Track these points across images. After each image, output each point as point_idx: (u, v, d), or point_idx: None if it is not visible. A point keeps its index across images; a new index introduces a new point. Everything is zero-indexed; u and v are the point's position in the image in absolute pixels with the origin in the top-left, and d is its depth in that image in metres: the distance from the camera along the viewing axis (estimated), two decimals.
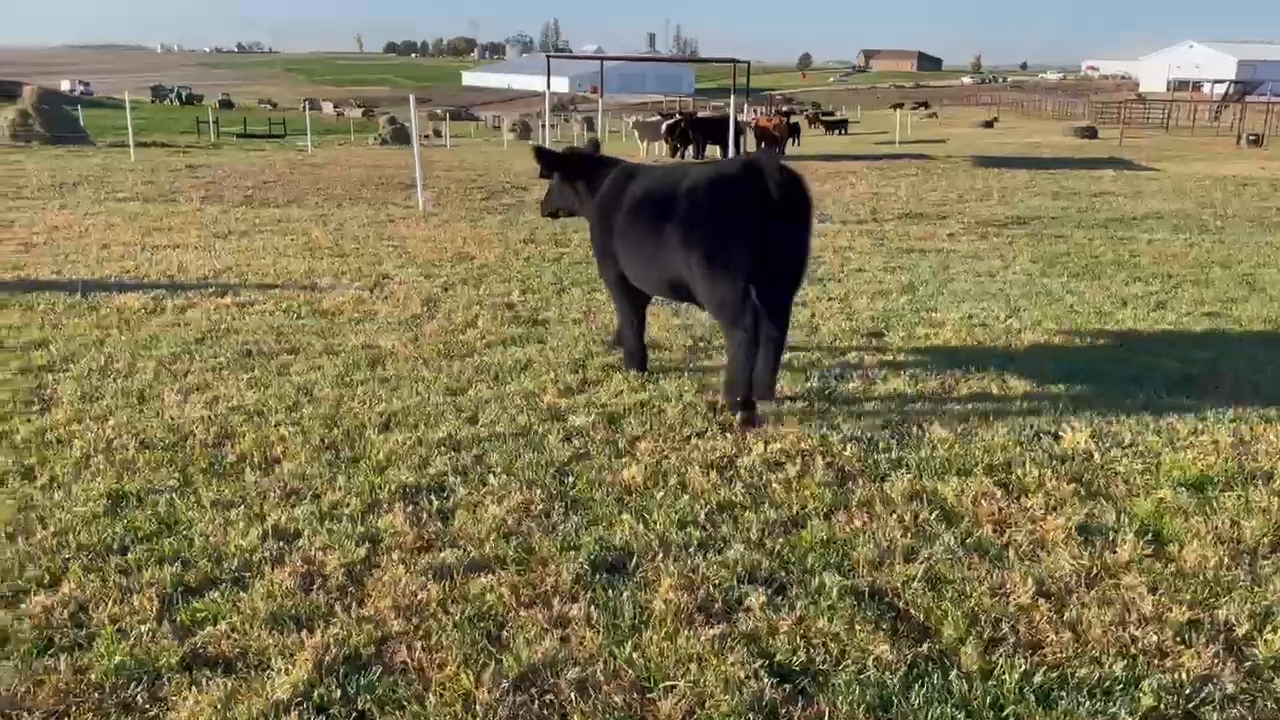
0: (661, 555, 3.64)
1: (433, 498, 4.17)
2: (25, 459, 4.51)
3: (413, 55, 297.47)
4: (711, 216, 5.00)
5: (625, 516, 3.97)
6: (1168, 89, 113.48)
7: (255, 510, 4.03)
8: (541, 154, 6.40)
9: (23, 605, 3.27)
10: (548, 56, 26.15)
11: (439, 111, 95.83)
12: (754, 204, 4.92)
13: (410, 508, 4.06)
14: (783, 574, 3.51)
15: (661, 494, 4.21)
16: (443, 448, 4.74)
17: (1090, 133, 48.59)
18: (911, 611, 3.27)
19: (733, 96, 24.73)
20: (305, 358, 6.29)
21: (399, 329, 7.06)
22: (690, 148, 27.46)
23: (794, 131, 35.99)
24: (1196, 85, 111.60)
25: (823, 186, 18.84)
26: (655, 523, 3.92)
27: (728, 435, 4.94)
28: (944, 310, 7.83)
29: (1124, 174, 23.01)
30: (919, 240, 11.77)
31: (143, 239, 10.76)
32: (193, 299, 7.87)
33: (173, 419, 5.07)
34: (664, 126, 27.58)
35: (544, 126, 22.00)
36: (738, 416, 5.10)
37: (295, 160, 25.24)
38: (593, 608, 3.28)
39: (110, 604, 3.27)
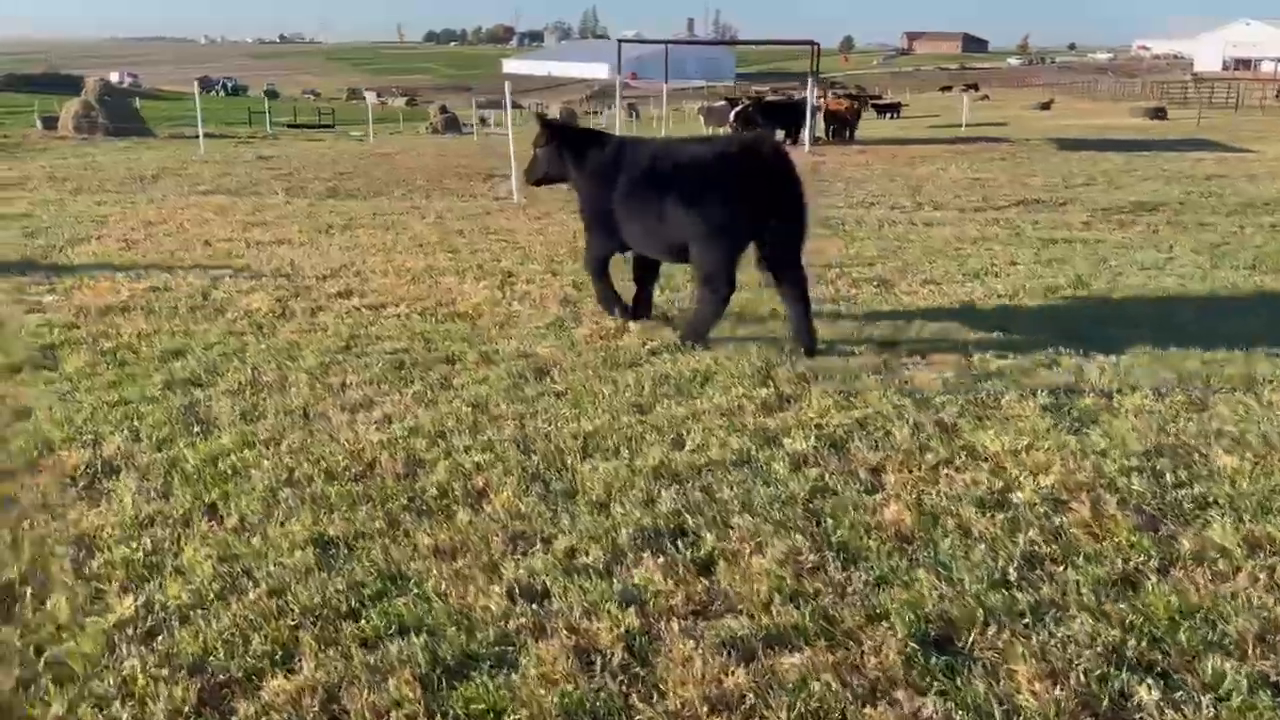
0: (992, 628, 3.03)
1: (679, 544, 3.60)
2: (204, 494, 4.01)
3: (452, 44, 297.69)
4: (711, 189, 5.75)
5: (921, 574, 3.36)
6: (1224, 68, 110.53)
7: (484, 560, 3.48)
8: (547, 124, 6.79)
9: (262, 692, 2.74)
10: (619, 41, 25.51)
11: (481, 99, 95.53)
12: (747, 181, 5.73)
13: (660, 558, 3.49)
14: (1157, 655, 2.89)
15: (947, 542, 3.60)
16: (661, 479, 4.17)
17: (1160, 113, 47.05)
18: None
19: (811, 80, 23.92)
20: (463, 368, 5.76)
21: (549, 334, 6.50)
22: None
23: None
24: (1254, 64, 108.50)
25: (914, 171, 18.09)
26: (960, 581, 3.31)
27: (982, 463, 4.33)
28: (1134, 310, 7.14)
29: (1223, 156, 21.96)
30: (1053, 229, 11.01)
31: (243, 234, 10.32)
32: (318, 300, 7.37)
33: (349, 443, 4.55)
34: (732, 112, 26.79)
35: (616, 111, 21.38)
36: (691, 344, 6.05)
37: (361, 150, 24.87)
38: (950, 704, 2.69)
39: (365, 690, 2.73)
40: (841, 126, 28.73)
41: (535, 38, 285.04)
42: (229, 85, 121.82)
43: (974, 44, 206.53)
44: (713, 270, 5.93)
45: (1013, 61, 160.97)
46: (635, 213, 6.17)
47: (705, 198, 5.78)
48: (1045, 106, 64.69)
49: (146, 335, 6.34)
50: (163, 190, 14.21)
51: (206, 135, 28.46)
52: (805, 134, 23.60)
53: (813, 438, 4.61)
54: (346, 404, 5.11)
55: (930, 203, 13.44)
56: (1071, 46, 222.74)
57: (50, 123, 33.10)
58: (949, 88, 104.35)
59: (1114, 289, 7.88)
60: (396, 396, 5.24)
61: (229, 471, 4.23)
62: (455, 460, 4.36)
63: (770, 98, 31.06)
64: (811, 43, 24.38)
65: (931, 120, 47.20)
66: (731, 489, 4.08)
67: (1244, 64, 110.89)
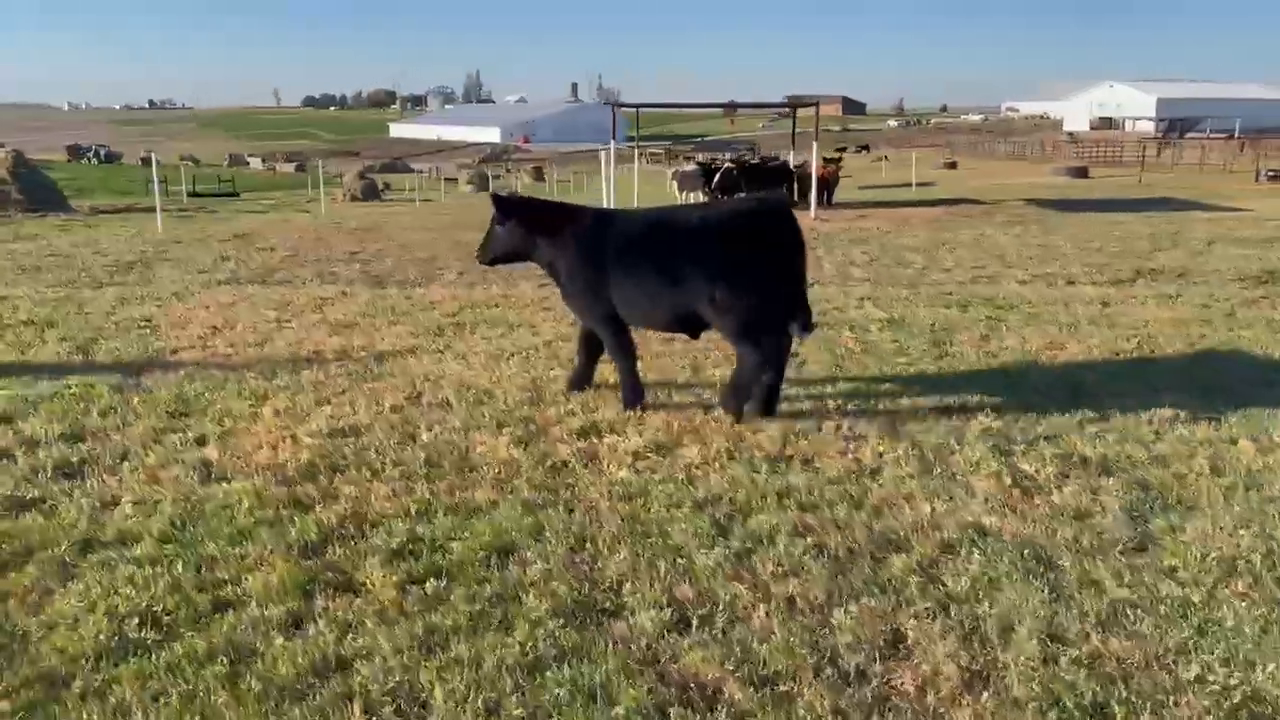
0: None
1: None
2: None
3: (331, 109, 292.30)
4: (744, 253, 5.68)
5: None
6: (1091, 127, 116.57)
7: None
8: (500, 201, 6.35)
9: None
10: (612, 106, 24.20)
11: (372, 164, 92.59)
12: (777, 242, 5.78)
13: None
14: None
15: None
16: None
17: (1081, 173, 48.33)
18: None
19: (815, 143, 23.02)
20: (925, 556, 4.13)
21: (931, 490, 4.92)
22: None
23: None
24: (1117, 124, 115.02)
25: (958, 237, 17.11)
26: None
27: None
28: None
29: (1222, 216, 21.94)
30: (1245, 307, 9.96)
31: (345, 341, 8.37)
32: (580, 444, 5.59)
33: None
34: (716, 177, 25.66)
35: (605, 177, 19.95)
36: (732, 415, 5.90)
37: (326, 224, 22.70)
38: None
39: None
40: (821, 188, 27.98)
41: (419, 102, 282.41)
42: (101, 153, 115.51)
43: (853, 107, 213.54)
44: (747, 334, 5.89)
45: (892, 123, 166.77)
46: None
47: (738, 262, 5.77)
48: (951, 166, 66.11)
49: (417, 517, 4.48)
50: (175, 281, 11.96)
51: (119, 210, 25.79)
52: (811, 198, 22.62)
53: None
54: (854, 649, 3.43)
55: (1059, 275, 12.36)
56: (944, 108, 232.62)
57: None
58: (844, 148, 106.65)
59: None
60: (920, 624, 3.58)
61: None
62: None
63: (752, 161, 30.12)
64: (814, 103, 23.61)
65: (848, 181, 47.06)
66: None
67: (1112, 123, 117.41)
